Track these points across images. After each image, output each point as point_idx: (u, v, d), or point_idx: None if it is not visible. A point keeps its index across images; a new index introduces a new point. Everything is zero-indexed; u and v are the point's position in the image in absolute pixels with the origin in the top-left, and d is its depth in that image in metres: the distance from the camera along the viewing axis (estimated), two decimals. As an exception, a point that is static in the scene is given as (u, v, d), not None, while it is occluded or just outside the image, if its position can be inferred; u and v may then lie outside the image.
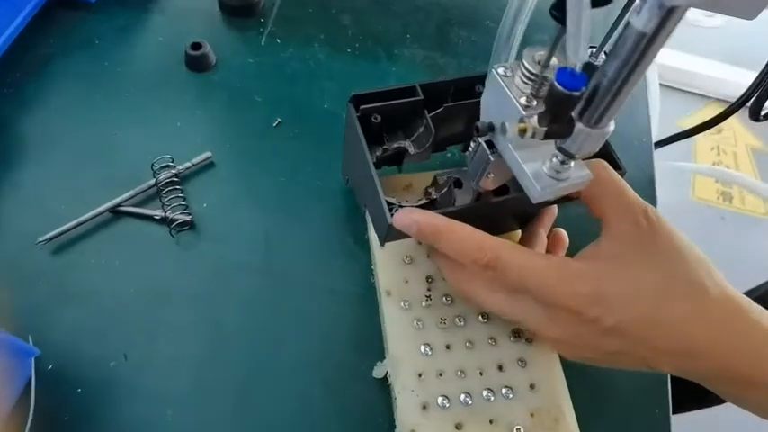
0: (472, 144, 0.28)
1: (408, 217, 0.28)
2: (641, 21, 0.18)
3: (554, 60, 0.23)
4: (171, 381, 0.33)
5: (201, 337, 0.34)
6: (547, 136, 0.22)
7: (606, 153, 0.33)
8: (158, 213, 0.37)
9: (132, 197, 0.38)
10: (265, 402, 0.32)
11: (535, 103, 0.24)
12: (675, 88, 1.62)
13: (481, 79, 0.34)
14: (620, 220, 0.28)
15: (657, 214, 0.28)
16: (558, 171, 0.24)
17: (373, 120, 0.33)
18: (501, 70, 0.25)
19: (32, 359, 0.31)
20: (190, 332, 0.34)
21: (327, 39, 0.49)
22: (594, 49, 0.56)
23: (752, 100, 0.54)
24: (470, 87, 0.34)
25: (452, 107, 0.34)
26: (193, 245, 0.37)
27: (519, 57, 0.25)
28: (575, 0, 0.19)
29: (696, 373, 0.26)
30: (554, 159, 0.24)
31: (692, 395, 0.72)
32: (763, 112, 0.55)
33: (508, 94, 0.24)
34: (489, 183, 0.29)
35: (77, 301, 0.34)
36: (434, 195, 0.33)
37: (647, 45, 0.19)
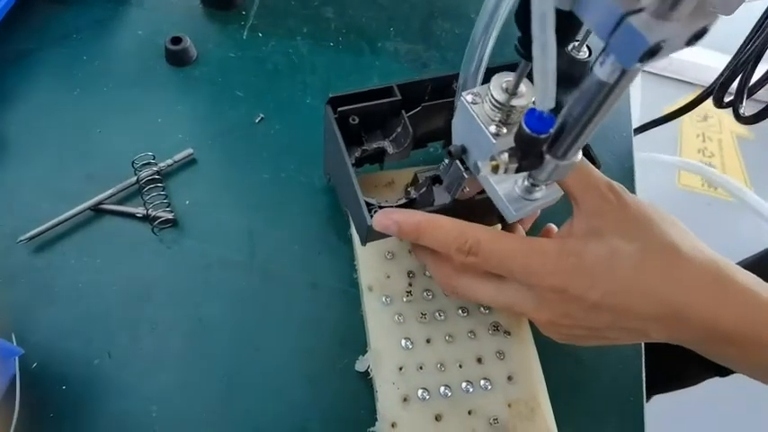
0: (446, 160, 0.29)
1: (388, 218, 0.29)
2: (604, 72, 0.19)
3: (522, 87, 0.24)
4: (155, 377, 0.33)
5: (185, 333, 0.34)
6: (518, 170, 0.23)
7: (583, 149, 0.34)
8: (140, 211, 0.37)
9: (114, 195, 0.38)
10: (249, 397, 0.33)
11: (505, 130, 0.25)
12: (663, 76, 1.63)
13: (458, 77, 0.35)
14: (587, 196, 0.29)
15: (622, 188, 0.29)
16: (529, 191, 0.25)
17: (351, 121, 0.33)
18: (470, 97, 0.25)
19: (16, 358, 0.31)
20: (173, 329, 0.34)
21: (310, 32, 0.48)
22: (577, 43, 0.55)
23: (716, 87, 0.55)
24: (447, 86, 0.35)
25: (430, 106, 0.34)
26: (176, 242, 0.37)
27: (487, 80, 0.26)
28: (540, 50, 0.19)
29: (686, 336, 0.27)
30: (526, 181, 0.25)
31: (666, 376, 0.74)
32: (726, 99, 0.56)
33: (478, 123, 0.25)
34: (465, 194, 0.30)
35: (60, 299, 0.34)
36: (414, 195, 0.33)
37: (608, 92, 0.20)
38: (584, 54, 0.52)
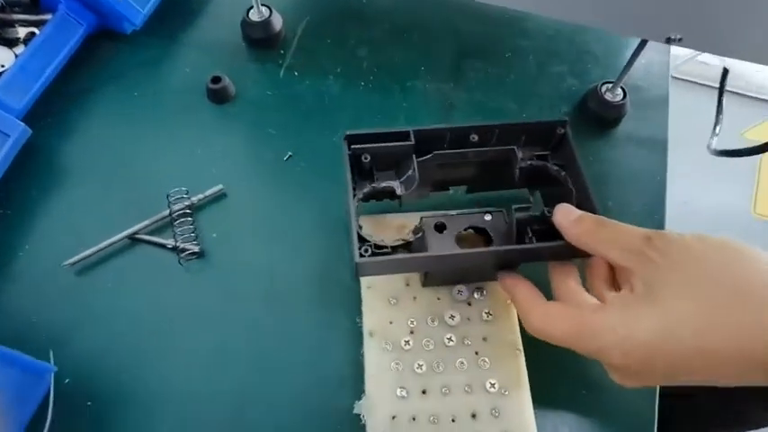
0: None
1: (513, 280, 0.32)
2: None
3: None
4: (175, 400, 0.36)
5: (204, 359, 0.37)
6: None
7: (582, 197, 0.33)
8: (170, 242, 0.40)
9: (149, 225, 0.41)
10: (256, 428, 0.35)
11: None
12: (743, 95, 1.52)
13: (476, 129, 0.35)
14: (626, 260, 0.27)
15: (661, 235, 0.26)
16: None
17: (363, 159, 0.34)
18: None
19: (51, 374, 0.35)
20: (194, 354, 0.37)
21: (343, 71, 0.50)
22: (611, 85, 0.54)
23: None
24: (465, 136, 0.35)
25: (443, 155, 0.35)
26: (202, 272, 0.40)
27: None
28: None
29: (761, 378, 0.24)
30: None
31: (725, 416, 0.68)
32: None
33: None
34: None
35: (95, 320, 0.38)
36: (410, 238, 0.34)
37: None
38: (618, 96, 0.50)
